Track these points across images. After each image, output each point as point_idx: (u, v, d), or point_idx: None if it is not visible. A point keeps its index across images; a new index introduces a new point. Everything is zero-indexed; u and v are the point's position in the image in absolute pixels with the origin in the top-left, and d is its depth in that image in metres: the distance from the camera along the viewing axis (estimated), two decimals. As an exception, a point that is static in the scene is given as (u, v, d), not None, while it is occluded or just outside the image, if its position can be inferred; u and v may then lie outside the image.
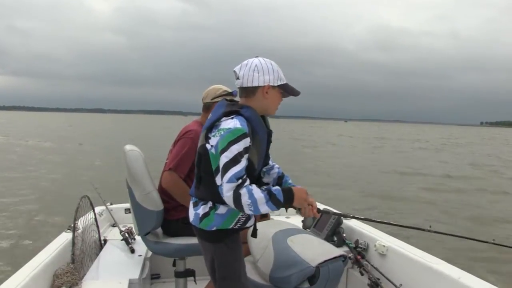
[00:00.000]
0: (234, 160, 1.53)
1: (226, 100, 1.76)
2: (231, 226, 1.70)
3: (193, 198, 1.78)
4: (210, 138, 1.63)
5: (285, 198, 1.60)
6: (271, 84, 1.66)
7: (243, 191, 1.52)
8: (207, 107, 2.44)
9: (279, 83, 1.68)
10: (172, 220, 2.37)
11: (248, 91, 1.68)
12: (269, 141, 1.76)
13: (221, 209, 1.68)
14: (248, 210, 1.54)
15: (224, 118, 1.61)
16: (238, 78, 1.68)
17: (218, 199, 1.63)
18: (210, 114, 1.72)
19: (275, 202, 1.57)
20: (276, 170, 1.94)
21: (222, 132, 1.56)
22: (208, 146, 1.63)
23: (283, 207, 1.63)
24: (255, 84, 1.65)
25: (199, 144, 1.71)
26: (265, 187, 1.61)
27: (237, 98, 1.79)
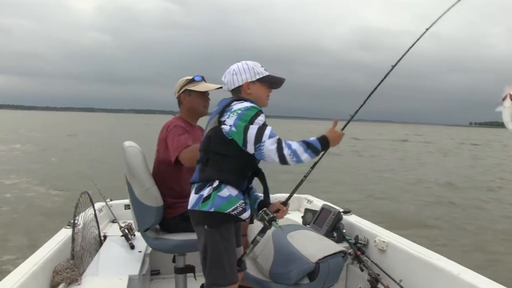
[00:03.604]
0: (264, 125, 1.72)
1: (226, 98, 1.91)
2: (228, 211, 1.75)
3: (196, 184, 1.83)
4: (224, 121, 1.76)
5: (323, 145, 1.78)
6: (249, 80, 1.87)
7: (283, 144, 1.70)
8: (179, 101, 2.50)
9: (257, 77, 1.88)
10: (169, 218, 2.35)
11: (235, 92, 1.91)
12: None
13: (224, 192, 1.76)
14: (291, 161, 1.71)
15: (235, 102, 1.79)
16: (225, 85, 1.93)
17: (225, 177, 1.77)
18: (216, 106, 1.88)
19: (313, 150, 1.75)
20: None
21: (240, 111, 1.73)
22: (225, 127, 1.75)
23: (323, 151, 1.81)
24: (236, 84, 1.88)
25: (209, 128, 1.84)
26: (302, 139, 1.78)
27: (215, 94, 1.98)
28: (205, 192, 1.77)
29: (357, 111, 2.05)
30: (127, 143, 2.35)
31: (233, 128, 1.73)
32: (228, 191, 1.76)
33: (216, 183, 1.76)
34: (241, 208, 1.78)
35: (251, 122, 1.71)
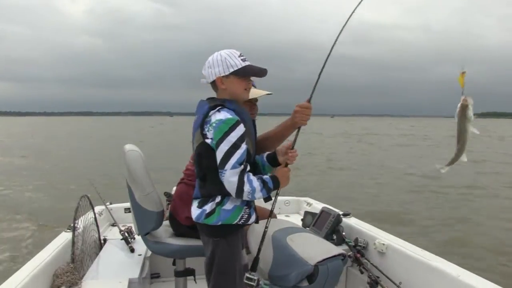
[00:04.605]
0: (234, 147, 1.62)
1: (203, 100, 1.82)
2: (235, 222, 1.75)
3: (198, 199, 1.81)
4: (206, 134, 1.69)
5: (274, 185, 1.75)
6: (221, 75, 1.73)
7: (245, 179, 1.65)
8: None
9: (230, 70, 1.72)
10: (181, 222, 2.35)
11: (212, 86, 1.81)
12: (255, 130, 1.90)
13: (228, 205, 1.74)
14: (246, 197, 1.68)
15: (211, 112, 1.69)
16: (204, 78, 1.82)
17: (226, 191, 1.69)
18: (196, 116, 1.78)
19: (267, 189, 1.72)
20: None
21: (215, 124, 1.65)
22: (208, 141, 1.68)
23: (275, 190, 1.79)
24: (211, 79, 1.77)
25: (196, 144, 1.76)
26: (258, 176, 1.72)
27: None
28: (208, 207, 1.74)
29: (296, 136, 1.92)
30: (128, 147, 2.35)
31: (213, 142, 1.67)
32: (232, 203, 1.74)
33: (218, 198, 1.74)
34: (246, 215, 1.78)
35: (222, 140, 1.63)
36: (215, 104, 1.70)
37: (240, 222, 1.76)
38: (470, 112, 1.51)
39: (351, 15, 1.92)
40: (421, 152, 20.40)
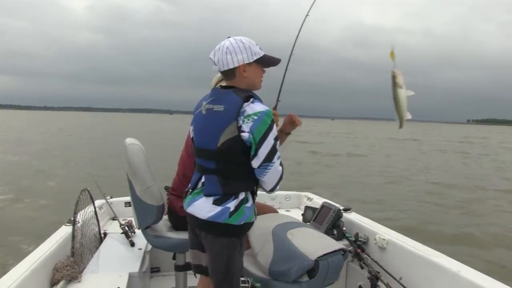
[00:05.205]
0: (276, 139, 1.64)
1: (220, 89, 1.76)
2: (253, 219, 1.72)
3: (215, 196, 1.66)
4: (241, 126, 1.58)
5: None
6: (246, 62, 1.66)
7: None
8: None
9: (254, 58, 1.68)
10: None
11: (228, 74, 1.70)
12: None
13: (249, 202, 1.69)
14: (276, 187, 1.69)
15: (245, 104, 1.60)
16: (215, 65, 1.70)
17: (251, 187, 1.70)
18: (222, 106, 1.64)
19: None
20: None
21: (256, 117, 1.58)
22: (245, 135, 1.58)
23: None
24: (231, 66, 1.66)
25: (227, 137, 1.61)
26: None
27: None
28: (231, 205, 1.63)
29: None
30: (129, 140, 2.33)
31: (251, 135, 1.58)
32: (250, 199, 1.69)
33: (243, 195, 1.66)
34: (255, 211, 1.74)
35: (268, 133, 1.58)
36: (247, 95, 1.62)
37: (254, 220, 1.72)
38: (400, 80, 1.69)
39: (305, 18, 2.01)
40: (419, 155, 20.47)
